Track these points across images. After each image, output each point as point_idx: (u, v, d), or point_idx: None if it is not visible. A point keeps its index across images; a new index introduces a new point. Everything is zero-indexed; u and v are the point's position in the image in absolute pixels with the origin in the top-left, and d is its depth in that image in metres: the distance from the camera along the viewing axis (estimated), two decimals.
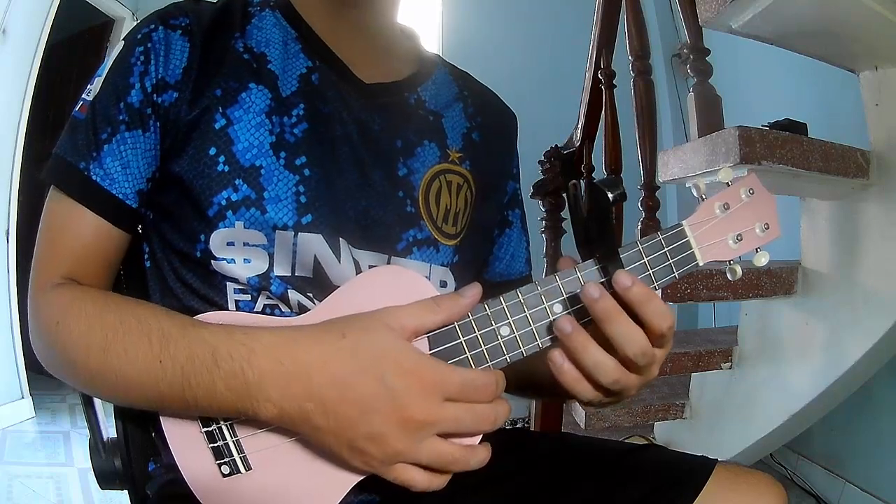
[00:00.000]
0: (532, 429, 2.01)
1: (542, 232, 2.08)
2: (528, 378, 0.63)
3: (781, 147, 1.17)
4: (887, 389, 1.69)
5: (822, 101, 1.95)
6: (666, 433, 1.82)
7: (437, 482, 0.47)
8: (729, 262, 0.52)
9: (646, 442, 1.72)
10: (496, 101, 0.76)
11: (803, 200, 1.45)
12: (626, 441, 1.59)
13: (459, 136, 0.68)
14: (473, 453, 0.47)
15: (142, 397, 0.49)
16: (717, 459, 0.60)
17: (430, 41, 3.54)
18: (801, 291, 1.42)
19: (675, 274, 0.50)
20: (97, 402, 0.70)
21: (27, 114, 2.68)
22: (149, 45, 0.56)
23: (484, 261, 0.73)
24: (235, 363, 0.45)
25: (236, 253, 0.54)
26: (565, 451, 0.65)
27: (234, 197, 0.54)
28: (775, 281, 1.40)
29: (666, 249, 0.50)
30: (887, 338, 1.24)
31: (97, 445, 0.68)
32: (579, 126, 1.98)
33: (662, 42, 3.19)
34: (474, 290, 0.48)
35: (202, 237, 0.54)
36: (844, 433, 1.89)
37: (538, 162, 2.09)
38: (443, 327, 0.48)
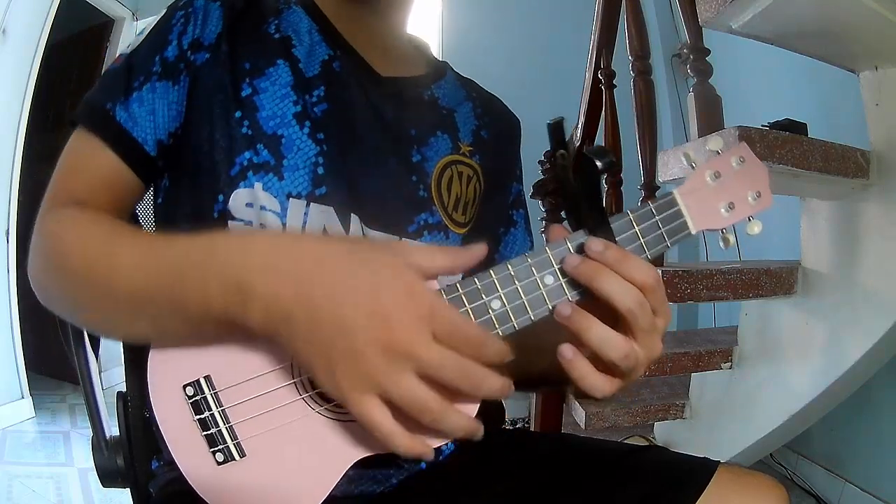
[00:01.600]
0: (532, 429, 2.01)
1: (543, 232, 2.08)
2: (527, 369, 0.64)
3: (781, 147, 1.17)
4: (887, 389, 1.69)
5: (822, 101, 1.95)
6: (666, 433, 1.82)
7: (402, 439, 0.43)
8: (722, 230, 0.51)
9: (646, 442, 1.72)
10: (501, 106, 0.79)
11: (803, 200, 1.45)
12: (626, 441, 1.59)
13: (469, 132, 0.71)
14: (450, 412, 0.43)
15: (128, 296, 0.48)
16: (718, 461, 0.60)
17: (431, 41, 3.53)
18: (801, 291, 1.42)
19: (668, 242, 0.50)
20: (100, 399, 0.70)
21: (27, 114, 2.67)
22: (189, 10, 0.59)
23: (490, 258, 0.73)
24: (231, 255, 0.44)
25: (254, 216, 0.55)
26: (565, 451, 0.65)
27: (255, 159, 0.56)
28: (775, 281, 1.40)
29: (657, 218, 0.50)
30: (887, 338, 1.24)
31: (100, 443, 0.68)
32: (579, 126, 1.98)
33: (662, 42, 3.19)
34: (481, 246, 0.48)
35: (221, 197, 0.55)
36: (844, 433, 1.89)
37: (538, 162, 2.10)
38: (443, 292, 0.47)
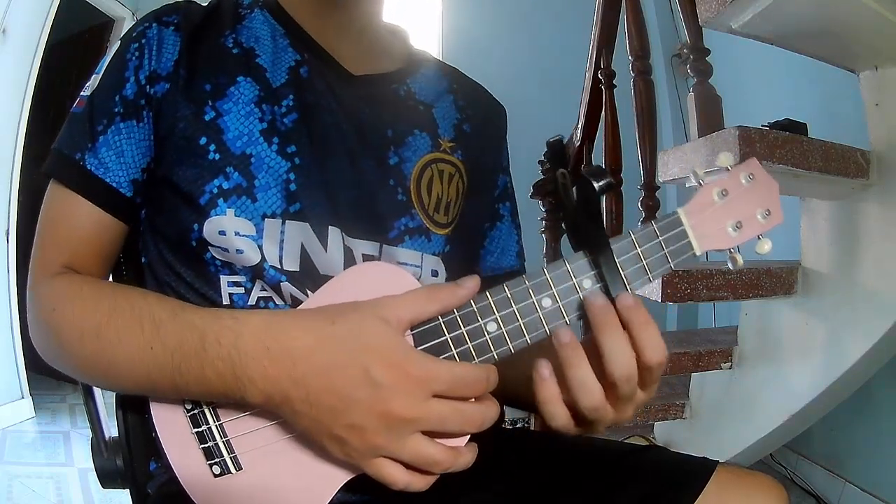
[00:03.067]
0: (532, 429, 2.01)
1: (542, 232, 2.08)
2: (515, 389, 0.63)
3: (781, 147, 1.17)
4: (887, 389, 1.69)
5: (822, 101, 1.95)
6: (666, 433, 1.82)
7: (419, 483, 0.46)
8: (729, 250, 0.49)
9: (646, 442, 1.72)
10: (485, 95, 0.77)
11: (803, 200, 1.45)
12: (626, 441, 1.59)
13: (451, 127, 0.69)
14: (457, 455, 0.46)
15: (132, 382, 0.50)
16: (718, 461, 0.60)
17: (430, 41, 3.54)
18: (801, 291, 1.42)
19: (671, 264, 0.48)
20: (99, 401, 0.70)
21: (27, 114, 2.68)
22: (143, 41, 0.58)
23: (475, 254, 0.73)
24: (223, 348, 0.45)
25: (229, 242, 0.54)
26: (565, 451, 0.65)
27: (225, 185, 0.55)
28: (775, 281, 1.40)
29: (660, 238, 0.48)
30: (887, 338, 1.24)
31: (99, 445, 0.68)
32: (579, 126, 1.98)
33: (662, 42, 3.19)
34: (472, 282, 0.48)
35: (196, 226, 0.55)
36: (844, 433, 1.89)
37: (538, 162, 2.09)
38: (439, 315, 0.47)
